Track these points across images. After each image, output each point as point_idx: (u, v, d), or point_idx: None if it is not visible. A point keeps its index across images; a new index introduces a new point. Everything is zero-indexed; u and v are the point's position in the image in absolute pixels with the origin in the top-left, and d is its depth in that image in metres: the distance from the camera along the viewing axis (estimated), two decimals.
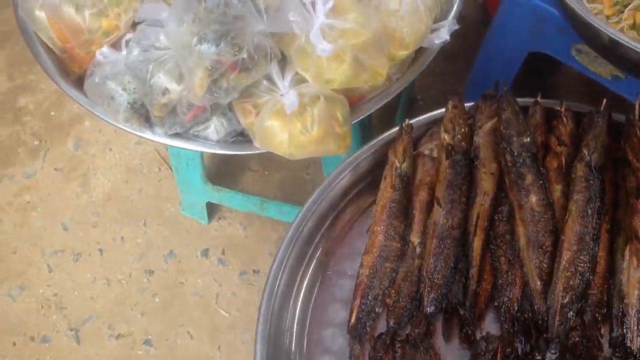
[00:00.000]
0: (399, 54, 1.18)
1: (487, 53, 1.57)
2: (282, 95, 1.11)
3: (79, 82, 1.30)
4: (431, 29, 1.20)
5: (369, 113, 1.22)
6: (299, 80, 1.15)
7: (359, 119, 1.21)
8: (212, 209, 2.01)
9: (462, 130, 1.11)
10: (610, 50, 1.21)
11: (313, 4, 1.08)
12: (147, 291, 1.94)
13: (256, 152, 1.19)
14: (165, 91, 1.12)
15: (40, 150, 2.17)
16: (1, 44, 2.39)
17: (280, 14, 1.04)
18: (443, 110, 1.18)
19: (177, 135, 1.21)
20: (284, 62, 1.16)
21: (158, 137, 1.21)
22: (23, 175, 2.13)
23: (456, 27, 1.25)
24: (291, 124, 1.12)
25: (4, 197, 2.09)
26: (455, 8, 1.29)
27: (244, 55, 1.06)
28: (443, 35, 1.23)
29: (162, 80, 1.11)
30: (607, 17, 1.23)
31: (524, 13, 1.39)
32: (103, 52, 1.18)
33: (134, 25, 1.22)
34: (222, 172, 2.08)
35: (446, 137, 1.11)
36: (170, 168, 2.07)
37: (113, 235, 2.02)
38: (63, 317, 1.91)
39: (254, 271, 1.96)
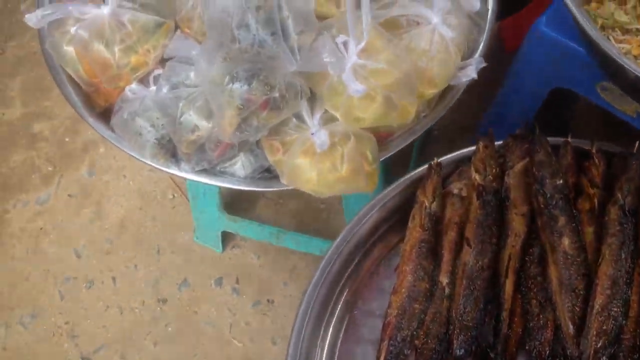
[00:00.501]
0: (427, 92, 1.18)
1: (508, 88, 1.57)
2: (312, 134, 1.10)
3: (104, 115, 1.30)
4: (459, 66, 1.20)
5: (396, 150, 1.22)
6: (327, 119, 1.15)
7: (386, 157, 1.21)
8: (226, 237, 2.00)
9: (494, 170, 1.11)
10: (638, 88, 1.21)
11: (345, 45, 1.07)
12: (160, 320, 1.92)
13: (284, 188, 1.19)
14: (195, 128, 1.11)
15: (54, 176, 2.17)
16: (16, 70, 2.39)
17: (313, 54, 1.04)
18: (471, 148, 1.17)
19: (203, 171, 1.21)
20: (313, 99, 1.16)
21: (184, 172, 1.20)
22: (36, 202, 2.12)
23: (483, 64, 1.24)
24: (320, 162, 1.11)
25: (18, 223, 2.08)
26: (482, 46, 1.29)
27: (276, 94, 1.06)
28: (470, 73, 1.23)
29: (192, 117, 1.11)
30: (635, 57, 1.23)
31: (548, 49, 1.39)
32: (132, 89, 1.18)
33: (163, 61, 1.22)
34: (236, 199, 2.07)
35: (477, 177, 1.10)
36: (184, 195, 2.06)
37: (126, 262, 2.01)
38: (75, 346, 1.89)
39: (268, 301, 1.95)
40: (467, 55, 1.28)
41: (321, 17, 1.19)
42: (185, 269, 1.99)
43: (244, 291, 1.96)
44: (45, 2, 1.36)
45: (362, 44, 1.07)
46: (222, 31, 1.02)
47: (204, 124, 1.11)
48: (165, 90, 1.12)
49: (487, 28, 1.30)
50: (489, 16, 1.31)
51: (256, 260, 2.00)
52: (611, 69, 1.24)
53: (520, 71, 1.50)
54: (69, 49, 1.25)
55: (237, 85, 1.05)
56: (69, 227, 2.07)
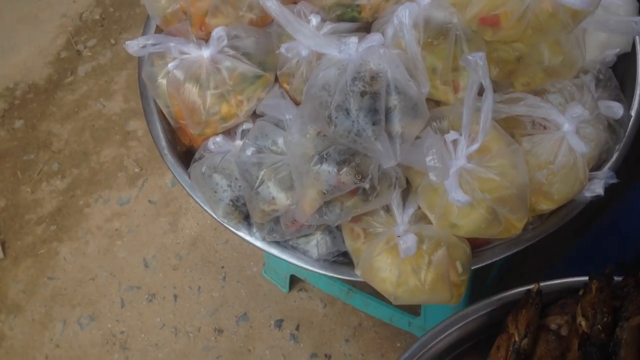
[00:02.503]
0: (541, 207, 1.02)
1: (618, 215, 1.37)
2: (399, 236, 0.97)
3: (185, 155, 1.23)
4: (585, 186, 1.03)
5: (492, 261, 1.06)
6: (419, 216, 1.02)
7: (478, 266, 1.06)
8: (295, 278, 1.90)
9: (605, 319, 0.93)
10: None
11: (455, 143, 0.94)
12: (212, 351, 1.86)
13: (357, 279, 1.07)
14: (272, 202, 1.01)
15: (139, 179, 2.15)
16: (124, 64, 2.41)
17: (416, 150, 0.90)
18: (581, 279, 1.00)
19: (275, 242, 1.10)
20: (407, 190, 1.02)
21: (255, 239, 1.10)
22: (117, 202, 2.11)
23: (614, 180, 1.07)
24: (402, 264, 0.98)
25: (96, 220, 2.08)
26: (615, 157, 1.10)
27: (367, 185, 0.94)
28: (597, 189, 1.05)
29: (271, 190, 1.00)
30: None
31: None
32: (216, 142, 1.09)
33: (255, 114, 1.13)
34: None
35: (583, 324, 0.93)
36: None
37: (191, 283, 1.96)
38: (125, 359, 1.86)
39: (326, 355, 1.84)
40: (596, 164, 1.10)
41: (434, 102, 1.06)
42: (248, 303, 1.92)
43: (302, 339, 1.86)
44: (151, 29, 1.31)
45: (476, 146, 0.93)
46: (318, 111, 0.91)
47: (282, 199, 1.01)
48: (249, 152, 1.02)
49: (625, 137, 1.12)
50: (630, 124, 1.13)
51: (321, 309, 1.90)
52: None
53: (624, 214, 1.30)
54: (164, 82, 1.19)
55: (325, 168, 0.94)
56: (143, 233, 2.05)
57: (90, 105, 2.33)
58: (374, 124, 0.87)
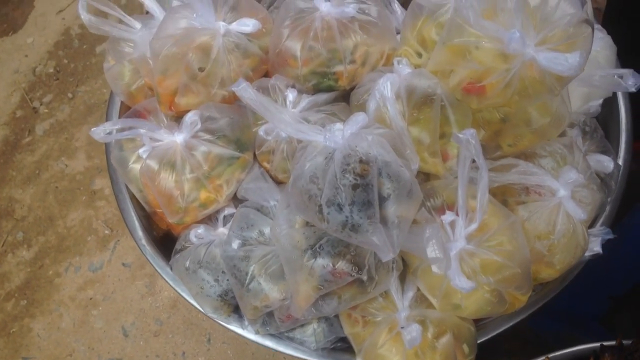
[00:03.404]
0: (543, 275, 0.98)
1: (595, 263, 1.35)
2: (402, 327, 0.92)
3: (163, 240, 1.16)
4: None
5: (496, 333, 1.02)
6: (419, 298, 0.97)
7: (483, 340, 1.02)
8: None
9: None
10: None
11: (452, 224, 0.89)
12: None
13: None
14: (264, 298, 0.95)
15: (110, 241, 2.06)
16: (84, 119, 2.31)
17: (414, 235, 0.85)
18: (590, 345, 0.97)
19: (269, 334, 1.05)
20: (405, 271, 0.98)
21: (247, 332, 1.04)
22: (89, 268, 2.02)
23: (610, 236, 1.04)
24: (408, 354, 0.93)
25: (68, 290, 1.98)
26: (608, 211, 1.08)
27: (364, 276, 0.89)
28: (595, 247, 1.03)
29: (263, 286, 0.95)
30: None
31: None
32: (199, 234, 1.03)
33: (236, 198, 1.07)
34: None
35: None
36: None
37: (174, 348, 1.88)
38: None
39: None
40: (591, 219, 1.08)
41: (424, 174, 1.02)
42: None
43: None
44: (116, 106, 1.24)
45: (475, 225, 0.88)
46: (308, 204, 0.85)
47: (275, 294, 0.95)
48: (235, 246, 0.96)
49: (616, 189, 1.09)
50: (619, 175, 1.10)
51: None
52: None
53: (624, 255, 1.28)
54: (136, 166, 1.12)
55: (319, 262, 0.88)
56: (119, 300, 1.96)
57: (51, 166, 2.23)
58: (368, 217, 0.82)
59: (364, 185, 0.83)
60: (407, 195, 0.86)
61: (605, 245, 1.37)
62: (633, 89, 0.98)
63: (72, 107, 2.36)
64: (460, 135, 0.85)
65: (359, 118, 0.90)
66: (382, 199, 0.85)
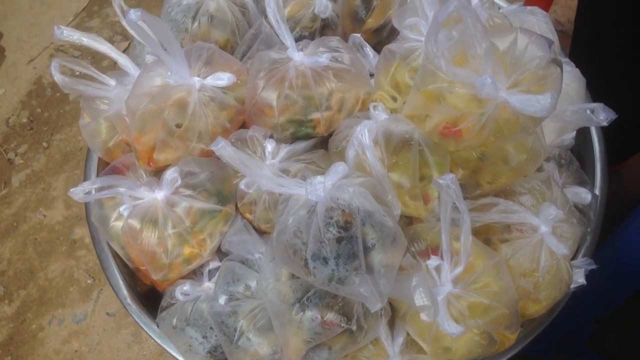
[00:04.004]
0: (530, 312, 0.99)
1: (600, 263, 1.38)
2: None
3: (149, 294, 1.15)
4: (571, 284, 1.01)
5: None
6: (410, 343, 0.97)
7: None
8: None
9: None
10: None
11: (438, 269, 0.90)
12: None
13: None
14: (254, 353, 0.95)
15: (93, 291, 2.04)
16: (60, 168, 2.30)
17: (400, 283, 0.86)
18: None
19: None
20: (394, 316, 0.98)
21: None
22: (73, 320, 1.98)
23: (593, 266, 1.06)
24: None
25: (52, 344, 1.95)
26: (589, 241, 1.10)
27: (353, 326, 0.89)
28: (579, 279, 1.04)
29: (252, 341, 0.94)
30: None
31: None
32: (184, 291, 1.02)
33: (220, 251, 1.06)
34: None
35: None
36: None
37: None
38: None
39: None
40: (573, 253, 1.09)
41: (406, 218, 1.03)
42: None
43: None
44: (93, 162, 1.23)
45: (461, 268, 0.89)
46: (293, 259, 0.86)
47: (265, 349, 0.94)
48: (222, 302, 0.96)
49: (595, 218, 1.11)
50: (597, 205, 1.12)
51: None
52: None
53: (621, 250, 1.30)
54: (117, 224, 1.11)
55: (308, 315, 0.88)
56: (105, 351, 1.93)
57: (30, 217, 2.20)
58: (354, 269, 0.83)
59: (348, 238, 0.83)
60: (392, 244, 0.86)
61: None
62: (605, 123, 1.00)
63: (47, 157, 2.34)
64: (440, 181, 0.87)
65: (339, 168, 0.91)
66: (367, 249, 0.85)
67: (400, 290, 0.86)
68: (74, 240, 2.14)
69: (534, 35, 0.94)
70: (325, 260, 0.83)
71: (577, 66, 1.30)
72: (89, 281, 2.05)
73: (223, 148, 0.86)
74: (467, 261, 0.89)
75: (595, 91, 1.30)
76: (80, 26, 2.50)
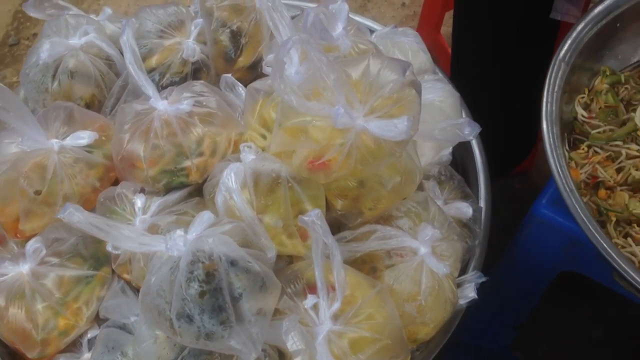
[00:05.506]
0: (420, 336, 0.98)
1: (505, 274, 1.38)
2: None
3: None
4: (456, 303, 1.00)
5: None
6: None
7: None
8: None
9: None
10: None
11: (316, 308, 0.87)
12: None
13: None
14: None
15: None
16: None
17: (275, 329, 0.83)
18: None
19: None
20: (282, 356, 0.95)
21: None
22: None
23: (483, 279, 1.05)
24: None
25: None
26: (477, 254, 1.09)
27: None
28: (469, 293, 1.03)
29: None
30: None
31: (554, 235, 1.21)
32: None
33: (99, 318, 1.01)
34: None
35: None
36: None
37: None
38: None
39: None
40: (462, 265, 1.08)
41: (287, 257, 1.00)
42: None
43: None
44: None
45: (337, 305, 0.87)
46: (158, 320, 0.81)
47: None
48: None
49: (482, 231, 1.11)
50: (483, 217, 1.12)
51: None
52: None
53: (521, 254, 1.31)
54: None
55: None
56: None
57: None
58: (221, 323, 0.79)
59: (211, 291, 0.80)
60: (261, 290, 0.83)
61: (492, 279, 1.41)
62: (471, 138, 1.01)
63: None
64: (305, 218, 0.84)
65: (204, 218, 0.88)
66: (235, 299, 0.81)
67: (274, 336, 0.83)
68: None
69: (386, 59, 0.94)
70: (189, 318, 0.79)
71: (458, 80, 1.32)
72: None
73: (71, 214, 0.81)
74: (344, 295, 0.87)
75: (480, 102, 1.32)
76: None
